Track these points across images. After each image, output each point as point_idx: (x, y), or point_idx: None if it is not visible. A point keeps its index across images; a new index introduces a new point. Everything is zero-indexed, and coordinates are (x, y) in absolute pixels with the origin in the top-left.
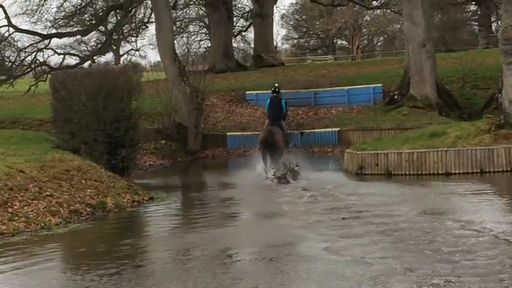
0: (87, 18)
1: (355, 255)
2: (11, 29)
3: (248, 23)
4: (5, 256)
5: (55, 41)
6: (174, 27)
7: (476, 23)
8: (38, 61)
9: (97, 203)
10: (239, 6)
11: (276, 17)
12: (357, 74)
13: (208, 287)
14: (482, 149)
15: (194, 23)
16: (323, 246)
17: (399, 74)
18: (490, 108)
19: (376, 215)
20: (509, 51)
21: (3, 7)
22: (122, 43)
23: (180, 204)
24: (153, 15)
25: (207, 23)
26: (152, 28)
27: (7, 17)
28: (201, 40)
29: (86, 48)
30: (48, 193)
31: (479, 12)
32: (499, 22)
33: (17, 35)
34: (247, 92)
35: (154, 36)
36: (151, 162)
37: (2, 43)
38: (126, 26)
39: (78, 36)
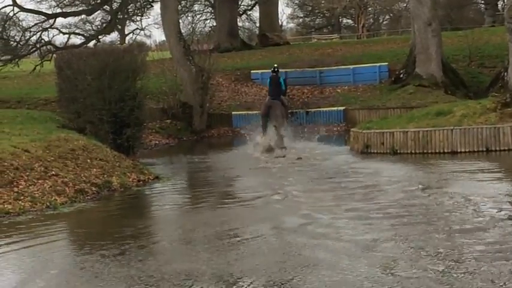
0: None
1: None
2: (16, 9)
3: (253, 1)
4: (10, 235)
5: (60, 20)
6: (179, 6)
7: (482, 1)
8: (43, 41)
9: (102, 183)
10: None
11: None
12: (362, 53)
13: (213, 266)
14: (488, 128)
15: (199, 2)
16: None
17: (405, 53)
18: (496, 87)
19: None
20: None
21: None
22: (127, 22)
23: (186, 183)
24: None
25: (212, 2)
26: (157, 7)
27: None
28: (206, 19)
29: (91, 28)
30: (53, 172)
31: None
32: (505, 0)
33: (22, 15)
34: (252, 71)
35: (159, 16)
36: (157, 142)
37: (7, 23)
38: (131, 5)
39: (83, 16)
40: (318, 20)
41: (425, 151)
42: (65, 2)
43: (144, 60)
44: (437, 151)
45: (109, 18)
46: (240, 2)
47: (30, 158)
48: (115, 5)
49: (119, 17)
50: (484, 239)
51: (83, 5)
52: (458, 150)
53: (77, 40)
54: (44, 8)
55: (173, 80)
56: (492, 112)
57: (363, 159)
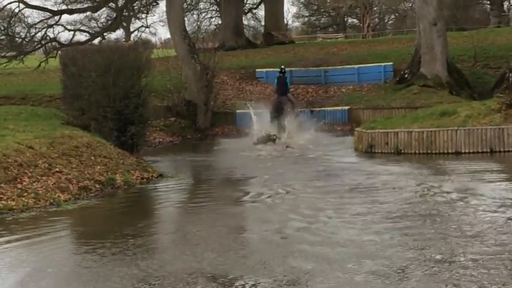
0: None
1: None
2: (21, 5)
3: (259, 0)
4: (13, 232)
5: (65, 17)
6: (185, 4)
7: (488, 2)
8: (48, 37)
9: (106, 180)
10: None
11: None
12: (367, 53)
13: (216, 266)
14: (493, 129)
15: (205, 0)
16: None
17: (410, 53)
18: (500, 88)
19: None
20: None
21: None
22: (132, 20)
23: (189, 181)
24: None
25: (218, 0)
26: (163, 5)
27: None
28: (211, 17)
29: (96, 25)
30: (57, 169)
31: None
32: (511, 1)
33: (27, 11)
34: (257, 70)
35: (165, 13)
36: (161, 139)
37: (13, 19)
38: (137, 2)
39: (89, 13)
40: (323, 19)
41: (429, 151)
42: None
43: (149, 57)
44: (441, 151)
45: (114, 16)
46: (245, 1)
47: (34, 155)
48: (120, 2)
49: (124, 14)
50: (489, 242)
51: (88, 2)
52: (463, 151)
53: (82, 37)
54: (49, 4)
55: (178, 77)
56: (497, 113)
57: (368, 159)
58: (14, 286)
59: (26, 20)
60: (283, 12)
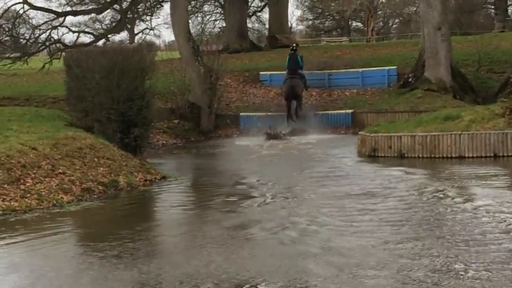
0: None
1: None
2: (26, 6)
3: (263, 3)
4: (16, 234)
5: (70, 18)
6: (189, 6)
7: (493, 6)
8: (52, 39)
9: (109, 182)
10: None
11: None
12: (371, 56)
13: (220, 269)
14: (496, 133)
15: (209, 3)
16: None
17: (414, 57)
18: (504, 92)
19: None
20: None
21: None
22: (136, 22)
23: (193, 183)
24: None
25: (222, 2)
26: (167, 7)
27: None
28: (215, 20)
29: (100, 27)
30: (60, 171)
31: None
32: None
33: (32, 12)
34: (261, 73)
35: (169, 16)
36: (164, 142)
37: (17, 20)
38: (141, 4)
39: (93, 15)
40: (327, 22)
41: (432, 155)
42: (74, 0)
43: (153, 59)
44: (444, 156)
45: (119, 18)
46: (249, 4)
47: (38, 156)
48: (125, 4)
49: (128, 16)
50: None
51: (93, 3)
52: (466, 155)
53: (86, 39)
54: (54, 6)
55: (182, 80)
56: (500, 118)
57: (370, 163)
58: None
59: (30, 21)
60: (287, 16)
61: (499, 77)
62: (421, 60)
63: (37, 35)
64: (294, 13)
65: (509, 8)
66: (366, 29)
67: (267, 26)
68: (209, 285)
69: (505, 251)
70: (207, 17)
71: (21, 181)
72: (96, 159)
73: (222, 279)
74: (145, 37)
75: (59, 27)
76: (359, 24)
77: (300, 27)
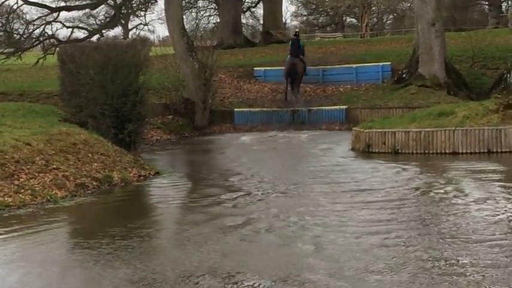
0: None
1: None
2: (20, 1)
3: None
4: (9, 230)
5: (64, 14)
6: (183, 2)
7: (486, 3)
8: (46, 34)
9: (103, 177)
10: None
11: None
12: (365, 52)
13: (215, 265)
14: (490, 129)
15: None
16: None
17: (408, 53)
18: (498, 88)
19: None
20: None
21: None
22: (130, 17)
23: (186, 179)
24: None
25: None
26: (161, 2)
27: None
28: (210, 15)
29: (94, 22)
30: (54, 166)
31: None
32: (509, 2)
33: (26, 8)
34: (255, 68)
35: (163, 11)
36: (158, 137)
37: (11, 15)
38: (135, 0)
39: (87, 10)
40: (321, 18)
41: (426, 151)
42: None
43: (147, 55)
44: (438, 151)
45: (113, 13)
46: None
47: (32, 151)
48: (119, 0)
49: (122, 11)
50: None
51: None
52: (460, 151)
53: (80, 34)
54: (48, 1)
55: (176, 75)
56: (494, 113)
57: (364, 159)
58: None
59: (24, 16)
60: (281, 11)
61: (492, 73)
62: (415, 56)
63: (31, 30)
64: (288, 9)
65: (503, 4)
66: (360, 24)
67: (261, 22)
68: (206, 282)
69: (497, 246)
70: (201, 13)
71: (15, 176)
72: (90, 155)
73: (219, 275)
74: (139, 32)
75: (53, 23)
76: (353, 20)
77: (294, 22)
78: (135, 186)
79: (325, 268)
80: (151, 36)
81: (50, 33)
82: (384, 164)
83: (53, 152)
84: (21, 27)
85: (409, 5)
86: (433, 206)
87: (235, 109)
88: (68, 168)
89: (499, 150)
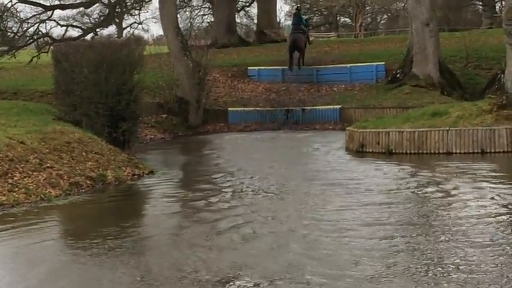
0: None
1: None
2: (14, 0)
3: None
4: (2, 228)
5: (58, 12)
6: (178, 1)
7: (480, 3)
8: (40, 32)
9: (97, 176)
10: None
11: None
12: (359, 52)
13: (209, 265)
14: (484, 129)
15: None
16: None
17: (402, 53)
18: (492, 89)
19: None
20: None
21: None
22: (125, 16)
23: (180, 178)
24: None
25: None
26: (155, 1)
27: None
28: (204, 15)
29: (88, 21)
30: (48, 165)
31: None
32: (503, 2)
33: (20, 6)
34: (249, 68)
35: (158, 10)
36: (152, 136)
37: (5, 14)
38: None
39: (81, 8)
40: (315, 18)
41: (420, 151)
42: None
43: (141, 54)
44: (432, 152)
45: (107, 12)
46: None
47: (26, 150)
48: None
49: (117, 10)
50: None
51: None
52: (453, 151)
53: (74, 33)
54: None
55: (170, 74)
56: (488, 114)
57: (357, 158)
58: None
59: (18, 14)
60: (275, 11)
61: (486, 73)
62: (409, 56)
63: (25, 28)
64: (283, 8)
65: (497, 5)
66: (354, 24)
67: (256, 21)
68: (200, 281)
69: (488, 246)
70: (196, 12)
71: (9, 175)
72: (84, 154)
73: (215, 275)
74: (133, 31)
75: (47, 21)
76: (347, 19)
77: (289, 22)
78: (128, 185)
79: (318, 269)
80: (146, 35)
81: (44, 31)
82: (377, 164)
83: (47, 150)
84: (15, 25)
85: (403, 5)
86: (425, 206)
87: (229, 108)
88: (62, 167)
89: (492, 150)
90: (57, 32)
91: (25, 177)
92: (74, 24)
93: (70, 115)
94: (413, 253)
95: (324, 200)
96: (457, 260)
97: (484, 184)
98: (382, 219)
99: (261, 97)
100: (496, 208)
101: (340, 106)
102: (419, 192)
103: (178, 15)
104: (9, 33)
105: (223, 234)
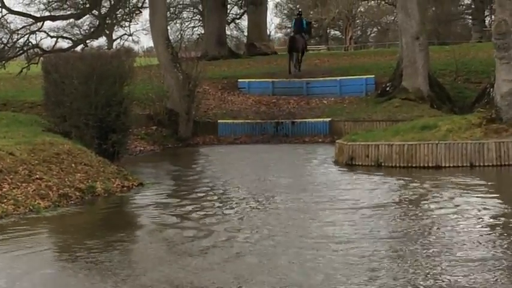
0: (81, 2)
1: None
2: (4, 11)
3: (242, 10)
4: None
5: (48, 23)
6: (168, 13)
7: (470, 17)
8: (30, 43)
9: (86, 188)
10: None
11: (270, 5)
12: (349, 65)
13: (197, 277)
14: (473, 143)
15: (188, 9)
16: None
17: (392, 66)
18: (481, 103)
19: None
20: (502, 46)
21: None
22: (115, 28)
23: (170, 190)
24: (147, 0)
25: (201, 9)
26: (146, 13)
27: None
28: (194, 27)
29: (79, 32)
30: (37, 176)
31: (473, 6)
32: (493, 16)
33: (10, 17)
34: (239, 80)
35: (148, 22)
36: (142, 148)
37: None
38: (120, 10)
39: (72, 20)
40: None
41: (409, 165)
42: (53, 5)
43: (132, 66)
44: (421, 165)
45: (97, 23)
46: (228, 11)
47: (15, 161)
48: (104, 10)
49: (107, 22)
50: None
51: (72, 9)
52: (443, 165)
53: (64, 44)
54: (32, 10)
55: (160, 86)
56: (477, 127)
57: (347, 172)
58: None
59: (8, 25)
60: (266, 23)
61: (476, 87)
62: (399, 69)
63: (15, 39)
64: (273, 21)
65: (486, 19)
66: (344, 37)
67: (246, 34)
68: None
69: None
70: (186, 24)
71: None
72: (73, 165)
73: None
74: (123, 43)
75: (37, 32)
76: (337, 32)
77: (279, 35)
78: (118, 197)
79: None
80: (136, 47)
81: (34, 42)
82: (366, 177)
83: (36, 162)
84: (5, 36)
85: (393, 18)
86: (411, 220)
87: (219, 121)
88: (51, 179)
89: (481, 164)
90: (47, 43)
91: (14, 188)
92: (64, 35)
93: (60, 126)
94: (396, 267)
95: (311, 214)
96: (446, 276)
97: (473, 197)
98: (370, 233)
99: (251, 109)
100: (484, 221)
101: (329, 119)
102: (407, 205)
103: (168, 27)
104: None
105: (212, 248)
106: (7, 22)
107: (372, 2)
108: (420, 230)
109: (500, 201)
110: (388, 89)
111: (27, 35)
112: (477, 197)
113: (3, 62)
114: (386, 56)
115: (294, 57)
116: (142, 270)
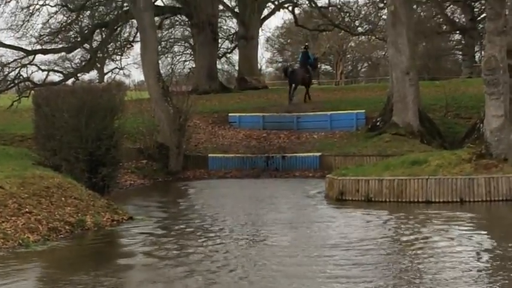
0: (73, 36)
1: None
2: None
3: (233, 45)
4: None
5: (39, 57)
6: (159, 47)
7: (460, 52)
8: (21, 77)
9: (76, 221)
10: (224, 28)
11: (261, 39)
12: (340, 99)
13: None
14: (463, 178)
15: (179, 44)
16: None
17: (382, 101)
18: (471, 138)
19: None
20: (491, 82)
21: None
22: (106, 61)
23: (159, 224)
24: (138, 34)
25: (192, 43)
26: (137, 47)
27: None
28: (185, 61)
29: (70, 65)
30: (27, 210)
31: (463, 42)
32: (483, 52)
33: (1, 50)
34: (230, 114)
35: (139, 56)
36: (132, 182)
37: None
38: (111, 44)
39: (63, 53)
40: (296, 65)
41: (399, 200)
42: (45, 39)
43: (122, 99)
44: (411, 200)
45: (88, 57)
46: (219, 45)
47: (4, 195)
48: (95, 44)
49: (98, 55)
50: None
51: (63, 42)
52: (433, 200)
53: (55, 77)
54: (23, 44)
55: (150, 120)
56: (467, 163)
57: (337, 207)
58: None
59: None
60: (257, 57)
61: (466, 122)
62: (390, 104)
63: (6, 72)
64: (264, 55)
65: (476, 54)
66: (335, 72)
67: (237, 68)
68: None
69: None
70: (177, 58)
71: None
72: (63, 199)
73: None
74: (114, 77)
75: (28, 66)
76: (328, 67)
77: (270, 69)
78: (108, 231)
79: None
80: (127, 81)
81: (25, 76)
82: (356, 213)
83: (26, 195)
84: None
85: (383, 53)
86: (401, 255)
87: (209, 155)
88: (41, 212)
89: (471, 199)
90: (39, 76)
91: (3, 221)
92: (56, 68)
93: (50, 160)
94: None
95: (297, 249)
96: None
97: (463, 232)
98: (360, 272)
99: (241, 144)
100: (474, 256)
101: (320, 153)
102: (396, 241)
103: (159, 61)
104: None
105: (201, 283)
106: None
107: (363, 37)
108: (406, 264)
109: (489, 236)
110: (378, 123)
111: (18, 68)
112: (466, 231)
113: None
114: (376, 90)
115: (293, 88)
116: None
